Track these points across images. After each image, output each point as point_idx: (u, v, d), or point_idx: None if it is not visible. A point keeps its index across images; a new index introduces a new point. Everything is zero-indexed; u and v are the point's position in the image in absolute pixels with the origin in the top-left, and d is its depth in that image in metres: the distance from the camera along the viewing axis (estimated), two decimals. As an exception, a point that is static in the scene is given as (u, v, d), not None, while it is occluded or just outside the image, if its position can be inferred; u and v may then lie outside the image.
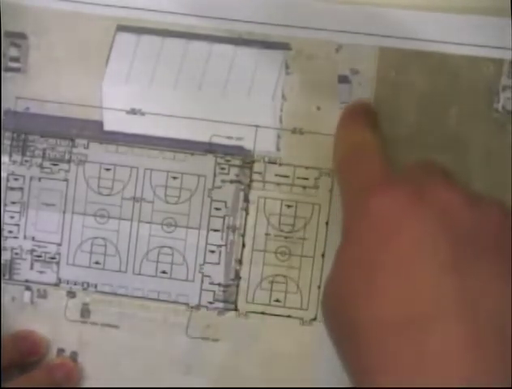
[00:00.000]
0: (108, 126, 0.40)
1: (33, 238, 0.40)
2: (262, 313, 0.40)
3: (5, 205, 0.41)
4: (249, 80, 0.40)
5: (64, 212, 0.40)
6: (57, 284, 0.41)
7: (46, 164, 0.40)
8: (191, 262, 0.40)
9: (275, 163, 0.40)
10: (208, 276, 0.40)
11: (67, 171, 0.40)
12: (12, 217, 0.41)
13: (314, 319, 0.39)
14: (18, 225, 0.41)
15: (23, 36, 0.41)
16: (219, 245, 0.40)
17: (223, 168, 0.40)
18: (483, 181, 0.38)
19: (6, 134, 0.41)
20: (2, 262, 0.41)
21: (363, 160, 0.34)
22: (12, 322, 0.40)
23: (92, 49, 0.40)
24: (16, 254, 0.41)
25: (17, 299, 0.41)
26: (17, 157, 0.41)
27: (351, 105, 0.38)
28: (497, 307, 0.28)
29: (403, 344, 0.28)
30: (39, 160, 0.40)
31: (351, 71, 0.39)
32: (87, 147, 0.40)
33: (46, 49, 0.40)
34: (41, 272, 0.40)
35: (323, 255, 0.39)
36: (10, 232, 0.41)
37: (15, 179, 0.41)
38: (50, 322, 0.40)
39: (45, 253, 0.40)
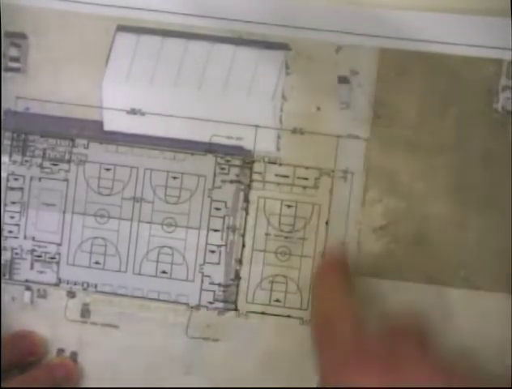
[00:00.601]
0: (108, 126, 0.40)
1: (33, 238, 0.40)
2: (262, 313, 0.40)
3: (5, 205, 0.40)
4: (249, 80, 0.40)
5: (64, 212, 0.40)
6: (57, 284, 0.40)
7: (46, 164, 0.40)
8: (191, 262, 0.40)
9: (275, 163, 0.40)
10: (208, 276, 0.40)
11: (67, 171, 0.40)
12: (12, 217, 0.41)
13: (314, 319, 0.39)
14: (18, 225, 0.41)
15: (23, 36, 0.40)
16: (219, 245, 0.40)
17: (223, 168, 0.40)
18: (483, 181, 0.39)
19: (6, 134, 0.41)
20: (2, 262, 0.40)
21: (335, 328, 0.35)
22: (12, 322, 0.40)
23: (92, 48, 0.40)
24: (16, 254, 0.41)
25: (17, 299, 0.41)
26: (17, 157, 0.41)
27: (326, 261, 0.39)
28: None
29: None
30: (39, 160, 0.40)
31: (351, 72, 0.39)
32: (87, 147, 0.40)
33: (46, 49, 0.40)
34: (41, 272, 0.40)
35: (323, 255, 0.39)
36: (10, 232, 0.41)
37: (15, 179, 0.41)
38: (50, 322, 0.40)
39: (45, 253, 0.40)
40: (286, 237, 0.40)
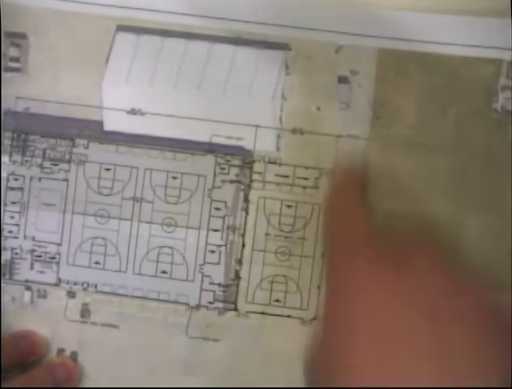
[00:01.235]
0: (108, 126, 0.40)
1: (33, 238, 0.40)
2: (262, 313, 0.40)
3: (5, 205, 0.40)
4: (249, 80, 0.40)
5: (64, 212, 0.40)
6: (57, 284, 0.40)
7: (46, 164, 0.40)
8: (191, 262, 0.40)
9: (275, 163, 0.40)
10: (208, 276, 0.40)
11: (67, 171, 0.40)
12: (12, 217, 0.40)
13: (314, 319, 0.39)
14: (18, 225, 0.40)
15: (23, 36, 0.40)
16: (219, 245, 0.40)
17: (223, 168, 0.40)
18: (482, 181, 0.39)
19: (6, 134, 0.40)
20: (2, 262, 0.40)
21: (349, 230, 0.35)
22: (12, 322, 0.40)
23: (92, 48, 0.40)
24: (16, 254, 0.41)
25: (17, 299, 0.40)
26: (17, 157, 0.40)
27: (342, 173, 0.39)
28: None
29: None
30: (39, 160, 0.40)
31: (350, 72, 0.39)
32: (87, 147, 0.40)
33: (46, 49, 0.40)
34: (41, 272, 0.40)
35: (323, 255, 0.39)
36: (10, 232, 0.41)
37: (15, 179, 0.40)
38: (50, 322, 0.40)
39: (45, 253, 0.40)
40: (286, 237, 0.40)
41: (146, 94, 0.40)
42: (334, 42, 0.39)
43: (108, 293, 0.40)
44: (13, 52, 0.41)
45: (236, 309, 0.40)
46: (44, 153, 0.40)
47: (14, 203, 0.40)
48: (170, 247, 0.40)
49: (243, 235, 0.40)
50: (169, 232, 0.40)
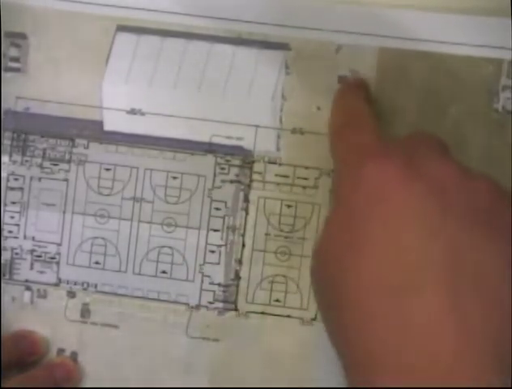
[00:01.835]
0: (108, 126, 0.40)
1: (33, 238, 0.40)
2: (262, 313, 0.40)
3: (5, 205, 0.41)
4: (249, 80, 0.40)
5: (64, 212, 0.40)
6: (57, 284, 0.41)
7: (46, 164, 0.40)
8: (191, 262, 0.40)
9: (275, 163, 0.40)
10: (208, 276, 0.40)
11: (67, 171, 0.40)
12: (12, 217, 0.41)
13: (314, 319, 0.39)
14: (18, 225, 0.41)
15: (23, 36, 0.41)
16: (219, 245, 0.40)
17: (223, 168, 0.40)
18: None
19: (6, 134, 0.41)
20: (2, 262, 0.41)
21: (358, 127, 0.34)
22: (12, 322, 0.40)
23: (92, 48, 0.40)
24: (16, 254, 0.41)
25: (17, 299, 0.41)
26: (17, 157, 0.41)
27: (348, 79, 0.39)
28: (486, 275, 0.28)
29: (388, 313, 0.28)
30: (39, 160, 0.40)
31: (351, 72, 0.39)
32: (87, 147, 0.40)
33: (46, 49, 0.40)
34: (41, 272, 0.40)
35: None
36: (10, 232, 0.41)
37: (15, 179, 0.41)
38: (50, 322, 0.40)
39: (45, 253, 0.40)
40: (286, 237, 0.40)
41: (146, 94, 0.40)
42: (334, 42, 0.39)
43: (108, 293, 0.40)
44: (13, 52, 0.41)
45: (236, 309, 0.40)
46: (44, 153, 0.40)
47: (14, 203, 0.41)
48: (170, 247, 0.40)
49: (243, 235, 0.40)
50: (169, 232, 0.40)
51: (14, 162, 0.41)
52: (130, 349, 0.40)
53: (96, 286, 0.40)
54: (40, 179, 0.40)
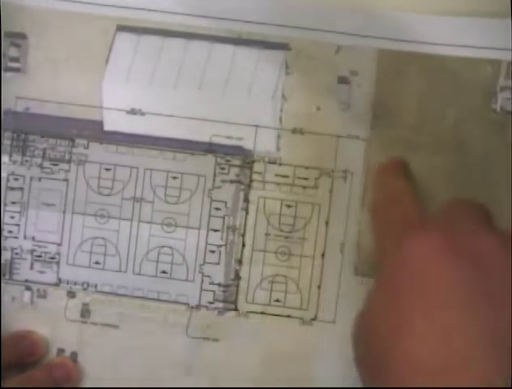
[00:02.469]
0: (108, 126, 0.40)
1: (33, 238, 0.40)
2: (262, 313, 0.40)
3: (5, 205, 0.40)
4: (249, 80, 0.40)
5: (64, 212, 0.40)
6: (57, 284, 0.40)
7: (46, 164, 0.40)
8: (191, 262, 0.40)
9: (275, 163, 0.40)
10: (208, 276, 0.40)
11: (67, 171, 0.40)
12: (12, 217, 0.40)
13: (314, 319, 0.39)
14: (18, 225, 0.40)
15: (23, 36, 0.40)
16: (219, 245, 0.40)
17: (223, 168, 0.40)
18: (482, 181, 0.39)
19: (6, 134, 0.40)
20: (2, 262, 0.40)
21: (398, 204, 0.35)
22: (12, 322, 0.40)
23: (92, 48, 0.40)
24: (16, 254, 0.40)
25: (17, 299, 0.40)
26: (17, 157, 0.40)
27: (386, 160, 0.39)
28: None
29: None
30: (39, 160, 0.40)
31: (350, 72, 0.39)
32: (87, 147, 0.40)
33: (46, 49, 0.40)
34: (41, 272, 0.40)
35: (323, 255, 0.39)
36: (10, 232, 0.41)
37: (15, 179, 0.40)
38: (50, 322, 0.40)
39: (45, 253, 0.40)
40: (286, 237, 0.40)
41: (146, 94, 0.40)
42: (334, 42, 0.39)
43: (108, 293, 0.40)
44: (13, 52, 0.40)
45: (236, 309, 0.40)
46: (44, 153, 0.40)
47: (14, 203, 0.40)
48: (170, 247, 0.40)
49: (243, 235, 0.40)
50: (169, 233, 0.40)
51: (14, 162, 0.40)
52: (130, 349, 0.40)
53: (95, 286, 0.40)
54: (40, 179, 0.40)
